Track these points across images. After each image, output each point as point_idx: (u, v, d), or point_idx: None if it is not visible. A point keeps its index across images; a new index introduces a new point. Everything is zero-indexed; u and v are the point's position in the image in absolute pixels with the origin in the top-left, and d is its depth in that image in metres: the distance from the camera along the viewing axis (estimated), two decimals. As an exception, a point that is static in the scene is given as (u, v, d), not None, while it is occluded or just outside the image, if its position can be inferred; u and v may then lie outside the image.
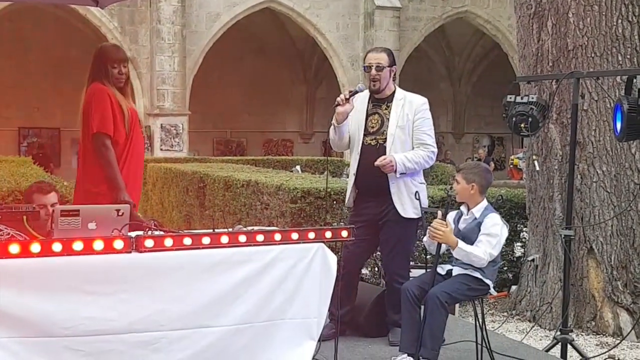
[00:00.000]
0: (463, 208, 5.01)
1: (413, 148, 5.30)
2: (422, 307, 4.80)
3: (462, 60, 27.49)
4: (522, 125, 5.60)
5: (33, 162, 12.66)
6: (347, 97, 5.20)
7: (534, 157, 6.90)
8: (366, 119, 5.35)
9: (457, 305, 6.57)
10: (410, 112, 5.31)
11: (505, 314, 7.14)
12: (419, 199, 5.21)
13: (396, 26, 21.27)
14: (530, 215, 7.22)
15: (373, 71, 5.28)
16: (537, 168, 6.82)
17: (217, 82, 23.81)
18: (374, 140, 5.31)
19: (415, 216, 5.31)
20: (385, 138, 5.27)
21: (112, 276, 3.46)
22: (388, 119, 5.31)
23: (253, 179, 8.79)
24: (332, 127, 5.31)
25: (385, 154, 5.21)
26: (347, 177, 5.70)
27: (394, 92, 5.40)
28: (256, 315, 3.75)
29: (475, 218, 4.93)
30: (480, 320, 4.85)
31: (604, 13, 6.50)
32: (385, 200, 5.26)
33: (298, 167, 15.92)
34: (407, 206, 5.27)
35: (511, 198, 7.76)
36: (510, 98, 5.78)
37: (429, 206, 6.88)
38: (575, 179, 6.26)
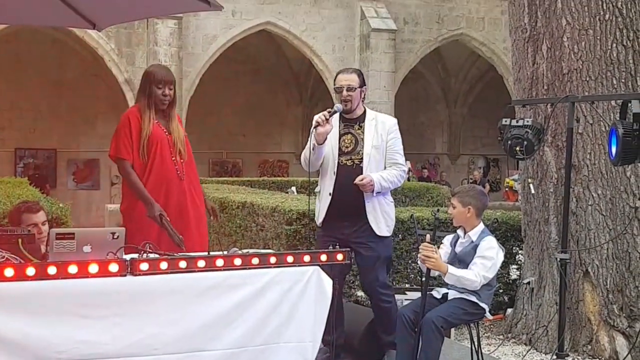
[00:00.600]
0: (460, 231, 5.02)
1: (385, 167, 5.39)
2: (418, 331, 4.80)
3: (457, 81, 27.56)
4: (518, 148, 5.63)
5: (29, 183, 12.64)
6: (327, 117, 5.24)
7: (529, 180, 6.92)
8: (339, 139, 5.40)
9: (452, 329, 6.56)
10: (384, 132, 5.42)
11: (501, 337, 7.12)
12: (414, 221, 5.24)
13: (392, 48, 21.34)
14: (526, 238, 7.23)
15: (344, 92, 5.36)
16: (533, 191, 6.83)
17: (213, 103, 23.84)
18: (349, 161, 5.38)
19: (388, 234, 5.42)
20: (362, 158, 5.37)
21: (107, 299, 3.45)
22: (362, 139, 5.40)
23: (249, 200, 8.80)
24: (309, 148, 5.33)
25: (362, 173, 5.28)
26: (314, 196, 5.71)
27: (364, 112, 5.50)
28: (251, 339, 3.74)
29: (472, 241, 4.94)
30: (476, 344, 4.84)
31: (598, 37, 6.54)
32: (360, 219, 5.34)
33: (294, 189, 15.92)
34: (381, 224, 5.38)
35: (507, 220, 7.76)
36: (506, 121, 5.81)
37: (423, 228, 6.90)
38: (571, 202, 6.26)
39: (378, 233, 5.35)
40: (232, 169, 25.78)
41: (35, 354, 3.27)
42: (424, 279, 5.60)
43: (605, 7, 6.52)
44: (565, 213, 5.60)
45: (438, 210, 5.30)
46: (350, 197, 5.28)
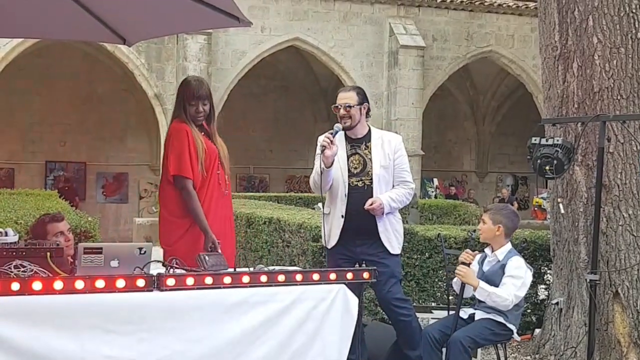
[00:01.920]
0: (487, 250, 4.98)
1: (394, 186, 5.40)
2: (444, 350, 4.76)
3: (486, 99, 27.46)
4: (547, 167, 5.57)
5: (59, 196, 12.77)
6: (331, 139, 5.25)
7: (559, 199, 6.84)
8: (347, 161, 5.40)
9: (479, 349, 6.50)
10: (390, 151, 5.42)
11: (529, 357, 7.03)
12: (441, 240, 5.22)
13: (420, 65, 21.33)
14: (555, 258, 7.15)
15: (341, 111, 5.36)
16: (562, 211, 6.75)
17: (241, 118, 23.96)
18: (360, 182, 5.37)
19: (399, 251, 5.45)
20: (371, 179, 5.35)
21: (133, 315, 3.45)
22: (370, 160, 5.39)
23: (275, 216, 8.80)
24: (317, 172, 5.32)
25: (372, 194, 5.29)
26: (318, 210, 5.72)
27: (369, 131, 5.49)
28: (276, 357, 3.72)
29: (499, 260, 4.90)
30: (503, 365, 4.79)
31: (630, 55, 6.48)
32: (374, 240, 5.34)
33: (320, 205, 15.89)
34: (393, 242, 5.40)
35: (535, 240, 7.69)
36: (535, 140, 5.75)
37: (451, 247, 6.86)
38: (601, 222, 6.18)
39: (391, 251, 5.37)
40: (259, 184, 25.85)
41: (62, 368, 3.28)
42: (451, 297, 5.57)
43: (637, 25, 6.47)
44: (595, 233, 5.53)
45: (475, 231, 5.26)
46: (362, 218, 5.28)
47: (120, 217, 24.06)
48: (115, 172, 24.20)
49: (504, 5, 22.58)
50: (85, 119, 23.35)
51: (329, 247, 5.47)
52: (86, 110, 23.29)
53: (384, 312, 7.04)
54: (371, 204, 5.21)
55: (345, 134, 5.43)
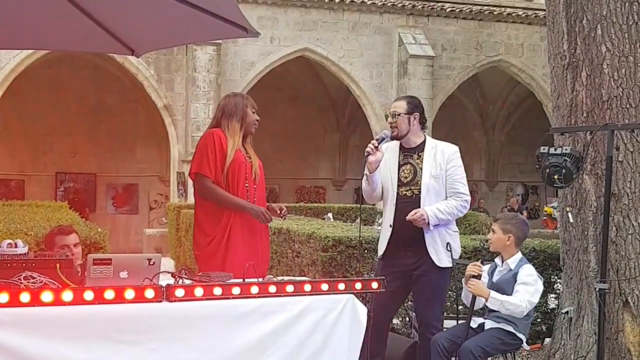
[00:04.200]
0: (497, 260, 4.98)
1: (447, 197, 5.30)
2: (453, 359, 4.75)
3: (496, 108, 27.44)
4: (556, 176, 5.55)
5: (69, 207, 12.81)
6: (376, 145, 5.21)
7: (568, 208, 6.83)
8: (398, 170, 5.36)
9: (488, 358, 6.48)
10: (443, 161, 5.31)
11: (539, 367, 7.02)
12: (450, 250, 5.18)
13: (429, 75, 21.35)
14: (564, 267, 7.13)
15: (390, 118, 5.35)
16: (571, 220, 6.74)
17: (250, 129, 23.99)
18: (409, 191, 5.30)
19: (449, 264, 5.28)
20: (420, 188, 5.27)
21: (143, 325, 3.47)
22: (421, 169, 5.30)
23: (285, 226, 8.80)
24: (364, 178, 5.30)
25: (420, 204, 5.20)
26: (379, 227, 5.68)
27: (424, 141, 5.42)
28: (286, 366, 3.73)
29: (510, 269, 4.89)
30: (513, 375, 4.78)
31: (638, 64, 6.46)
32: (421, 250, 5.24)
33: (330, 215, 15.93)
34: (441, 255, 5.24)
35: (545, 249, 7.68)
36: (544, 149, 5.75)
37: (460, 256, 6.84)
38: (610, 230, 6.17)
39: (438, 264, 5.22)
40: (269, 195, 25.86)
41: (72, 379, 3.29)
42: (459, 307, 5.56)
43: (645, 34, 6.47)
44: (604, 242, 5.52)
45: (487, 240, 5.23)
46: (409, 228, 5.19)
47: (130, 228, 24.12)
48: (125, 183, 24.27)
49: (513, 15, 22.58)
50: (95, 130, 23.45)
51: (379, 255, 5.46)
52: (96, 121, 23.39)
53: (395, 323, 7.04)
54: (413, 215, 5.13)
55: (400, 143, 5.39)
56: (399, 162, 5.37)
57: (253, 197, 5.10)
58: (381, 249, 5.40)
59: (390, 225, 5.31)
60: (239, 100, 5.20)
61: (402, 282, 5.29)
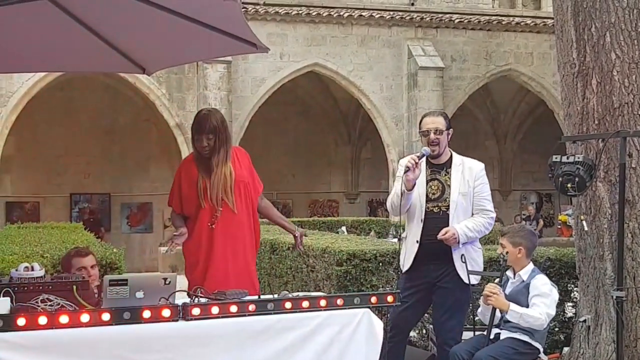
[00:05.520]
0: (509, 272, 4.97)
1: (473, 214, 5.28)
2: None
3: (507, 117, 27.39)
4: (569, 185, 5.55)
5: (84, 228, 12.86)
6: (417, 161, 5.16)
7: (582, 217, 6.81)
8: (426, 186, 5.33)
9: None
10: (471, 178, 5.31)
11: (558, 376, 6.98)
12: (465, 262, 5.17)
13: (439, 86, 21.35)
14: (581, 275, 7.10)
15: (432, 135, 5.29)
16: (586, 228, 6.71)
17: (262, 144, 24.04)
18: (436, 208, 5.29)
19: (475, 281, 5.28)
20: (448, 205, 5.26)
21: (160, 344, 3.49)
22: (449, 186, 5.30)
23: (299, 241, 8.79)
24: (396, 193, 5.25)
25: (448, 221, 5.20)
26: (396, 239, 5.65)
27: (450, 157, 5.41)
28: (303, 382, 3.73)
29: (523, 280, 4.89)
30: (532, 385, 4.76)
31: (648, 70, 6.46)
32: (446, 263, 5.24)
33: (344, 228, 15.93)
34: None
35: (560, 257, 7.64)
36: (556, 158, 5.74)
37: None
38: (626, 237, 6.15)
39: (464, 280, 5.24)
40: (283, 210, 25.86)
41: (90, 400, 3.31)
42: (476, 318, 5.55)
43: (654, 40, 6.46)
44: (620, 249, 5.50)
45: (507, 252, 5.21)
46: (437, 244, 5.19)
47: (145, 246, 24.18)
48: (140, 202, 24.34)
49: (522, 24, 22.57)
50: (108, 150, 23.56)
51: (404, 270, 5.43)
52: (109, 141, 23.50)
53: (411, 336, 7.02)
54: (445, 234, 5.13)
55: (427, 158, 5.35)
56: (426, 178, 5.34)
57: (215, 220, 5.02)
58: (407, 264, 5.37)
59: (417, 241, 5.29)
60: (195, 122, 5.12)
61: (424, 294, 5.30)
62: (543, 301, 4.77)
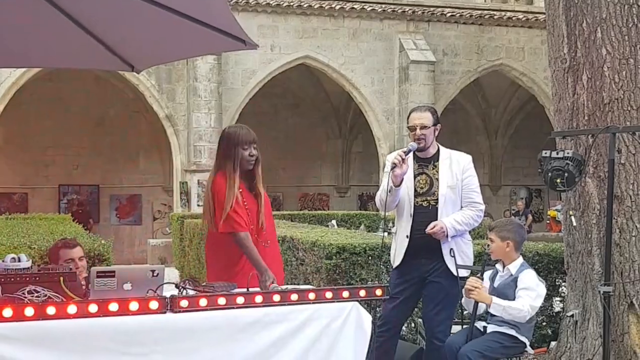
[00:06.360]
0: (498, 266, 4.98)
1: (462, 207, 5.30)
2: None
3: (498, 112, 27.44)
4: (558, 180, 5.56)
5: (72, 220, 12.83)
6: (403, 157, 5.17)
7: (571, 212, 6.82)
8: (414, 180, 5.33)
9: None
10: (458, 171, 5.32)
11: (546, 371, 7.00)
12: (453, 256, 5.18)
13: (431, 80, 21.36)
14: (569, 270, 7.12)
15: (418, 131, 5.29)
16: (574, 223, 6.73)
17: (252, 137, 24.00)
18: (425, 202, 5.30)
19: (466, 273, 5.29)
20: (437, 199, 5.27)
21: (147, 337, 3.47)
22: (437, 179, 5.31)
23: (289, 234, 8.80)
24: (384, 190, 5.25)
25: (437, 214, 5.21)
26: (385, 233, 5.65)
27: (438, 151, 5.41)
28: (290, 375, 3.73)
29: (512, 274, 4.89)
30: (519, 379, 4.77)
31: (639, 66, 6.47)
32: (437, 256, 5.25)
33: (334, 222, 15.91)
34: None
35: (549, 252, 7.66)
36: (546, 153, 5.75)
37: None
38: (614, 233, 6.16)
39: (454, 272, 5.25)
40: (273, 203, 25.76)
41: (77, 391, 3.30)
42: (465, 312, 5.56)
43: (645, 36, 6.47)
44: (607, 245, 5.51)
45: (488, 246, 5.23)
46: (427, 239, 5.21)
47: (134, 238, 24.14)
48: (129, 193, 24.30)
49: (514, 19, 22.60)
50: (97, 142, 23.49)
51: (394, 265, 5.44)
52: (98, 133, 23.43)
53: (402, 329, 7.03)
54: (433, 228, 5.15)
55: (414, 153, 5.36)
56: (414, 172, 5.35)
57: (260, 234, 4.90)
58: (398, 259, 5.38)
59: (407, 236, 5.30)
60: (229, 138, 4.98)
61: (415, 288, 5.31)
62: (528, 294, 4.78)
